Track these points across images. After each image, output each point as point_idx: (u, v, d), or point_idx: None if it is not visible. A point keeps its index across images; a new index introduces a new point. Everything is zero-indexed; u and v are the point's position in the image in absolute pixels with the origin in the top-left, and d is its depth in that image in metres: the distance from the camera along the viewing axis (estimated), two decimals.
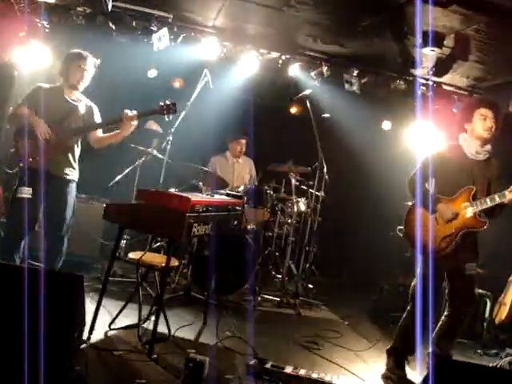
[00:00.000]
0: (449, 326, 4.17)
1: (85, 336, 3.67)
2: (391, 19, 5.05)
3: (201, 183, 6.05)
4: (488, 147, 4.10)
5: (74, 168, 4.64)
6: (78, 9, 5.88)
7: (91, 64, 4.64)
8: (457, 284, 4.12)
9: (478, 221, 3.98)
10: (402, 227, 4.41)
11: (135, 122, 4.54)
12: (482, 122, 4.03)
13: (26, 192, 4.30)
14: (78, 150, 4.69)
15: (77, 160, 4.68)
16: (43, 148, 4.37)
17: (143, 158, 6.21)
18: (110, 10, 5.71)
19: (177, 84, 7.27)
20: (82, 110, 4.64)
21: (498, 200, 3.88)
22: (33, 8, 5.97)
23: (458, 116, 4.30)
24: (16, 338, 2.69)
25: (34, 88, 4.59)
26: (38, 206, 4.44)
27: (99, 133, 4.73)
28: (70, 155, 4.59)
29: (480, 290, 5.47)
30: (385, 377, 4.19)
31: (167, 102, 4.62)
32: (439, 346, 4.20)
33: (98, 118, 4.76)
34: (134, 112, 4.51)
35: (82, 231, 6.03)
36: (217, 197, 4.59)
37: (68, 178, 4.57)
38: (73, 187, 4.66)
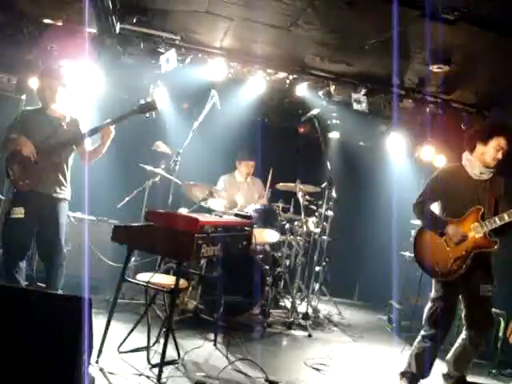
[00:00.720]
0: (465, 349, 4.11)
1: (93, 359, 3.63)
2: (398, 37, 5.02)
3: (209, 203, 6.01)
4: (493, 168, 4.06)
5: (65, 186, 4.63)
6: (86, 31, 5.90)
7: (62, 79, 4.65)
8: (472, 306, 4.06)
9: (488, 241, 3.94)
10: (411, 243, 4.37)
11: (112, 130, 4.55)
12: (496, 153, 4.00)
13: (18, 212, 4.32)
14: (68, 169, 4.68)
15: (68, 179, 4.67)
16: (32, 169, 4.37)
17: (152, 180, 6.21)
18: (117, 32, 5.76)
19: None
20: (65, 125, 4.62)
21: (507, 219, 3.84)
22: (41, 31, 6.02)
23: (472, 133, 4.23)
24: (21, 362, 2.65)
25: (19, 114, 4.66)
26: (31, 226, 4.44)
27: (88, 147, 4.71)
28: (59, 174, 4.58)
29: (493, 310, 5.39)
30: None
31: (147, 100, 4.67)
32: (455, 368, 4.13)
33: (84, 129, 4.73)
34: (108, 120, 4.52)
35: (91, 253, 6.01)
36: (225, 217, 4.56)
37: (59, 196, 4.56)
38: (64, 206, 4.65)
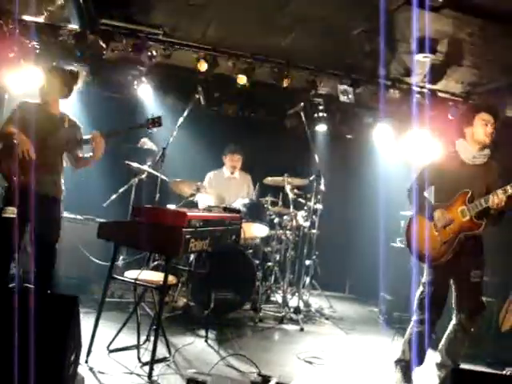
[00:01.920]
0: (457, 336, 4.08)
1: (82, 359, 3.57)
2: (382, 26, 4.99)
3: (197, 199, 5.96)
4: (486, 151, 4.05)
5: (59, 186, 4.52)
6: (68, 27, 5.82)
7: (68, 78, 4.55)
8: (463, 291, 4.04)
9: (473, 223, 3.92)
10: (402, 238, 4.35)
11: (103, 144, 4.47)
12: (484, 128, 4.00)
13: (11, 212, 4.20)
14: (63, 169, 4.58)
15: (62, 179, 4.57)
16: (28, 167, 4.26)
17: (138, 177, 6.15)
18: (99, 28, 5.68)
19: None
20: (65, 126, 4.52)
21: (492, 199, 3.81)
22: (22, 28, 5.92)
23: (457, 119, 4.25)
24: (8, 362, 2.59)
25: (18, 104, 4.49)
26: (23, 226, 4.34)
27: (80, 153, 4.62)
28: (55, 174, 4.48)
29: (485, 298, 5.37)
30: None
31: (153, 116, 4.65)
32: (447, 356, 4.10)
33: (80, 135, 4.64)
34: (97, 133, 4.45)
35: (78, 252, 5.95)
36: (213, 212, 4.50)
37: (54, 196, 4.45)
38: (58, 206, 4.54)
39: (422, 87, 6.70)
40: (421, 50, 5.33)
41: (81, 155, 4.61)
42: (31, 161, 4.25)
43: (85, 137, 4.54)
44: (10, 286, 4.45)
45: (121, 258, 6.17)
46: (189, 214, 3.60)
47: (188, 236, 3.57)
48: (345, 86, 6.41)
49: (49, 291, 4.37)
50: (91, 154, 4.54)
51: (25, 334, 2.65)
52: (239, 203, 6.04)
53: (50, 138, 4.39)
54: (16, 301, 2.74)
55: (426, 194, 4.23)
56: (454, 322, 4.10)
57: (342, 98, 6.49)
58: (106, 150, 4.51)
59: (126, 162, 6.04)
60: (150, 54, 5.94)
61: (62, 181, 4.57)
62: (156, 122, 4.66)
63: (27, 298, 2.80)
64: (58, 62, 5.46)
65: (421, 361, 4.19)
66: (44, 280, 4.38)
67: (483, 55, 5.51)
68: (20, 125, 4.32)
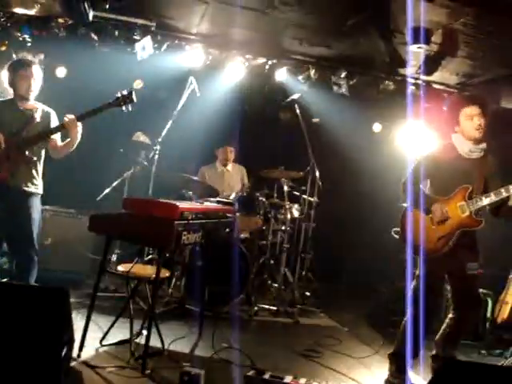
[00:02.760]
0: (453, 329, 4.06)
1: (75, 353, 3.54)
2: (376, 17, 4.95)
3: (190, 193, 5.92)
4: (483, 145, 3.99)
5: (37, 180, 4.45)
6: (59, 20, 5.76)
7: (37, 71, 4.45)
8: (459, 285, 4.02)
9: (473, 220, 3.89)
10: (397, 229, 4.30)
11: (79, 127, 4.37)
12: (470, 123, 3.92)
13: None
14: (40, 163, 4.51)
15: (40, 173, 4.49)
16: (2, 161, 4.21)
17: (131, 170, 6.12)
18: (90, 20, 5.62)
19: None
20: (38, 118, 4.45)
21: (494, 198, 3.78)
22: (13, 22, 5.87)
23: (445, 117, 4.19)
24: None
25: None
26: (2, 221, 4.29)
27: (58, 142, 4.54)
28: (31, 167, 4.40)
29: (481, 290, 5.37)
30: (388, 382, 4.06)
31: (123, 93, 4.43)
32: (443, 349, 4.09)
33: (55, 124, 4.56)
34: (71, 116, 4.35)
35: (72, 247, 5.92)
36: (206, 204, 4.47)
37: (30, 190, 4.38)
38: (37, 201, 4.46)
39: (416, 78, 6.68)
40: (415, 40, 5.29)
41: (59, 143, 4.53)
42: (4, 155, 4.19)
43: (58, 124, 4.47)
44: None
45: (115, 252, 6.13)
46: (181, 206, 3.56)
47: (180, 229, 3.54)
48: (338, 78, 6.38)
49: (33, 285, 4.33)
50: (68, 139, 4.46)
51: (14, 328, 2.62)
52: (233, 196, 6.00)
53: (22, 132, 4.32)
54: (5, 295, 2.71)
55: (421, 186, 4.20)
56: (450, 315, 4.08)
57: (336, 90, 6.46)
58: (83, 133, 4.43)
59: (121, 150, 5.99)
60: (142, 46, 5.89)
61: (40, 175, 4.50)
62: (127, 98, 4.42)
63: (17, 291, 2.77)
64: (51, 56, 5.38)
65: (416, 353, 4.16)
66: (25, 276, 4.33)
67: (478, 46, 5.49)
68: None
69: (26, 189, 4.34)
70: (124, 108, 4.48)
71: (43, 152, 4.52)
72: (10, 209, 4.27)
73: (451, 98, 4.20)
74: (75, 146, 4.49)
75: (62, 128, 4.41)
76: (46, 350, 2.68)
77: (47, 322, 2.72)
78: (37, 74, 4.46)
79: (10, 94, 4.53)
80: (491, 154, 4.05)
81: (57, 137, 4.52)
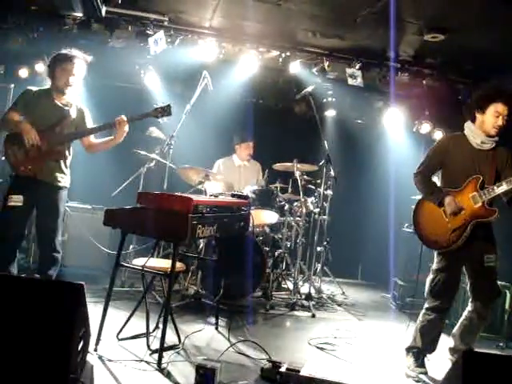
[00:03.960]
0: (471, 322, 4.01)
1: (91, 347, 3.55)
2: (391, 7, 4.89)
3: (205, 187, 5.91)
4: (495, 137, 3.93)
5: (65, 174, 4.49)
6: (72, 16, 5.78)
7: (79, 66, 4.44)
8: (477, 277, 3.97)
9: (486, 210, 3.84)
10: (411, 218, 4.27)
11: (127, 128, 4.44)
12: (495, 120, 3.86)
13: (17, 200, 4.17)
14: (69, 156, 4.55)
15: (68, 166, 4.54)
16: (34, 155, 4.24)
17: (146, 165, 6.13)
18: (103, 15, 5.63)
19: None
20: (73, 114, 4.48)
21: (505, 187, 3.73)
22: (26, 19, 5.90)
23: (471, 101, 4.10)
24: (17, 351, 2.57)
25: (23, 92, 4.45)
26: (29, 214, 4.34)
27: (92, 138, 4.60)
28: (61, 162, 4.44)
29: (499, 282, 5.30)
30: (405, 376, 4.04)
31: (161, 105, 4.53)
32: (461, 341, 4.05)
33: (89, 123, 4.61)
34: (124, 117, 4.41)
35: (88, 242, 5.95)
36: (221, 197, 4.46)
37: (60, 184, 4.42)
38: (64, 194, 4.50)
39: (432, 69, 6.59)
40: (430, 29, 5.23)
41: (94, 142, 4.59)
42: (36, 149, 4.23)
43: (108, 121, 4.49)
44: (18, 274, 4.43)
45: (131, 246, 6.16)
46: (195, 199, 3.55)
47: (194, 222, 3.52)
48: (353, 70, 6.33)
49: (53, 279, 4.37)
50: (112, 137, 4.52)
51: (32, 323, 2.63)
52: (248, 190, 5.99)
53: (56, 126, 4.37)
54: (23, 290, 2.72)
55: (434, 178, 4.15)
56: (469, 308, 4.03)
57: (351, 82, 6.41)
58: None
59: (135, 150, 6.02)
60: (155, 41, 5.89)
61: (68, 169, 4.54)
62: (165, 110, 4.53)
63: (33, 286, 2.78)
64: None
65: (433, 348, 4.14)
66: (47, 268, 4.37)
67: (495, 35, 5.39)
68: (25, 113, 4.30)
69: (55, 183, 4.39)
70: (160, 120, 4.68)
71: (71, 146, 4.56)
72: (38, 202, 4.30)
73: (488, 85, 4.09)
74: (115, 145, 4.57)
75: (110, 127, 4.46)
76: (61, 344, 2.69)
77: (64, 317, 2.73)
78: (78, 70, 4.45)
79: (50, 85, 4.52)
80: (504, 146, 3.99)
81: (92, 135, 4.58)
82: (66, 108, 4.48)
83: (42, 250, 4.45)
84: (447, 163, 4.03)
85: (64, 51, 4.46)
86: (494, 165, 3.93)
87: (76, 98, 4.63)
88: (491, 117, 3.87)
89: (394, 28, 5.34)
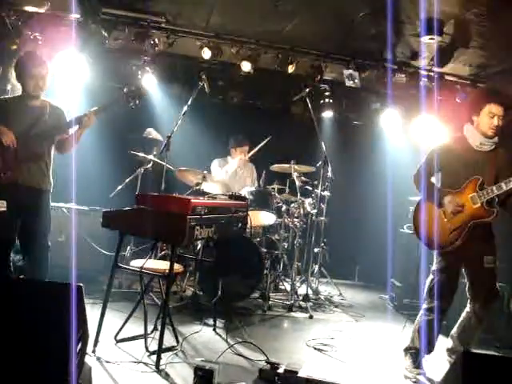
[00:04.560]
0: (470, 323, 4.02)
1: (89, 349, 3.54)
2: (388, 8, 4.90)
3: (202, 188, 5.91)
4: (494, 139, 3.96)
5: (46, 177, 4.41)
6: (70, 17, 5.76)
7: (46, 68, 4.35)
8: (476, 278, 3.98)
9: (485, 211, 3.86)
10: (410, 218, 4.29)
11: (93, 119, 4.33)
12: (490, 120, 3.90)
13: (0, 205, 4.13)
14: (50, 159, 4.46)
15: (50, 169, 4.45)
16: (13, 160, 4.17)
17: (144, 167, 6.13)
18: (101, 17, 5.63)
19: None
20: (47, 115, 4.38)
21: (504, 188, 3.75)
22: (24, 20, 5.88)
23: (467, 105, 4.14)
24: (15, 353, 2.57)
25: None
26: (14, 219, 4.22)
27: (66, 135, 4.47)
28: (42, 165, 4.36)
29: (498, 283, 5.31)
30: (403, 377, 4.05)
31: (131, 88, 4.38)
32: (459, 342, 4.05)
33: (65, 119, 4.49)
34: (92, 112, 4.32)
35: (85, 244, 5.94)
36: (219, 199, 4.46)
37: (41, 188, 4.35)
38: (47, 197, 4.43)
39: (429, 70, 6.60)
40: (427, 31, 5.23)
41: (67, 137, 4.47)
42: (14, 153, 4.18)
43: (77, 115, 4.38)
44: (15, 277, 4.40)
45: (128, 248, 6.15)
46: (193, 201, 3.55)
47: (193, 223, 3.53)
48: (350, 71, 6.33)
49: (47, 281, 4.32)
50: (76, 129, 4.40)
51: (29, 325, 2.62)
52: (246, 191, 5.99)
53: (32, 128, 4.28)
54: (20, 291, 2.72)
55: (433, 179, 4.17)
56: (467, 309, 4.04)
57: (348, 83, 6.41)
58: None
59: (132, 151, 6.01)
60: (152, 42, 5.89)
61: (50, 172, 4.47)
62: (135, 93, 4.37)
63: (31, 288, 2.77)
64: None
65: (431, 349, 4.14)
66: (37, 272, 4.33)
67: (491, 36, 5.41)
68: (1, 120, 4.21)
69: (36, 186, 4.31)
70: (132, 104, 4.46)
71: (52, 148, 4.47)
72: (20, 207, 4.23)
73: (481, 89, 4.13)
74: (79, 141, 4.47)
75: (80, 123, 4.35)
76: (58, 346, 2.68)
77: (62, 318, 2.72)
78: (45, 71, 4.35)
79: (18, 89, 4.46)
80: (503, 147, 4.01)
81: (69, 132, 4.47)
82: (40, 109, 4.38)
83: (29, 256, 4.39)
84: (447, 164, 4.05)
85: (27, 53, 4.39)
86: (494, 166, 3.94)
87: (52, 98, 4.55)
88: (486, 118, 3.91)
89: (391, 29, 5.35)
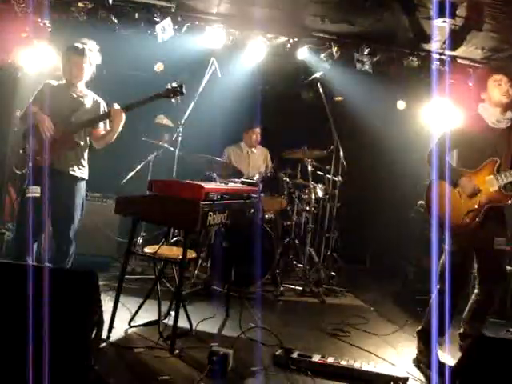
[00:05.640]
0: (479, 305, 4.00)
1: (104, 335, 3.58)
2: None
3: (215, 174, 5.92)
4: (510, 114, 3.91)
5: (82, 165, 4.48)
6: (79, 4, 5.76)
7: (88, 56, 4.43)
8: (486, 259, 3.94)
9: (502, 195, 3.81)
10: (422, 202, 4.25)
11: (123, 117, 4.37)
12: (498, 88, 3.87)
13: (34, 191, 4.17)
14: (86, 147, 4.54)
15: (86, 157, 4.53)
16: (50, 145, 4.24)
17: (155, 153, 6.14)
18: (111, 3, 5.61)
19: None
20: (88, 104, 4.49)
21: None
22: (35, 7, 5.88)
23: (473, 88, 4.12)
24: (33, 339, 2.59)
25: (42, 85, 4.48)
26: (46, 205, 4.32)
27: (101, 129, 4.54)
28: (78, 152, 4.44)
29: (508, 267, 5.30)
30: (416, 361, 4.05)
31: (173, 85, 4.39)
32: (471, 326, 4.03)
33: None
34: (117, 106, 4.35)
35: (98, 230, 5.98)
36: (231, 185, 4.46)
37: (75, 175, 4.41)
38: (81, 185, 4.48)
39: (441, 54, 6.54)
40: (440, 14, 5.17)
41: (102, 132, 4.54)
42: (52, 139, 4.24)
43: (101, 112, 4.50)
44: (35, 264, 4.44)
45: (141, 234, 6.18)
46: (206, 186, 3.55)
47: (206, 209, 3.54)
48: (361, 55, 6.29)
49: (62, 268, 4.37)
50: (108, 128, 4.50)
51: (44, 311, 2.65)
52: (258, 177, 5.99)
53: (72, 116, 4.37)
54: (37, 278, 2.74)
55: (447, 158, 4.13)
56: (476, 291, 4.02)
57: (359, 67, 6.37)
58: (126, 124, 4.43)
59: (144, 138, 6.02)
60: (162, 28, 5.87)
61: (86, 161, 4.54)
62: (177, 90, 4.40)
63: (46, 275, 2.79)
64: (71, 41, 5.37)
65: (443, 331, 4.13)
66: (60, 260, 4.38)
67: (504, 19, 5.34)
68: (42, 105, 4.32)
69: (71, 173, 4.38)
70: (173, 100, 4.49)
71: (89, 138, 4.55)
72: (54, 192, 4.28)
73: (480, 68, 4.14)
74: (115, 136, 4.49)
75: (107, 117, 4.43)
76: (75, 331, 2.71)
77: (76, 304, 2.75)
78: (88, 61, 4.44)
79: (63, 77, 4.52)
80: None
81: (101, 126, 4.53)
82: (81, 99, 4.48)
83: (56, 241, 4.45)
84: (462, 143, 4.00)
85: (74, 43, 4.45)
86: (511, 145, 3.90)
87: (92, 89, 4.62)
88: (494, 88, 3.89)
89: (403, 12, 5.30)
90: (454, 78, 6.78)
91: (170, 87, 4.39)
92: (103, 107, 4.62)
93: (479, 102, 4.02)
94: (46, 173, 4.20)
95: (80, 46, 4.42)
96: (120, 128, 4.42)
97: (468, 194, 3.85)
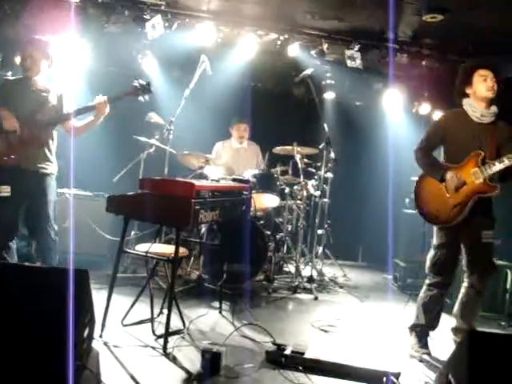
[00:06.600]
0: (470, 298, 4.03)
1: (96, 334, 3.56)
2: None
3: (206, 171, 5.91)
4: (494, 109, 3.96)
5: (50, 161, 4.44)
6: (68, 0, 5.72)
7: (46, 50, 4.40)
8: (474, 252, 3.98)
9: (488, 186, 3.85)
10: (412, 198, 4.28)
11: (108, 109, 4.38)
12: (484, 83, 3.90)
13: (4, 190, 4.14)
14: (53, 143, 4.50)
15: (53, 153, 4.49)
16: (16, 144, 4.21)
17: (146, 151, 6.12)
18: (99, 0, 5.59)
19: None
20: (52, 100, 4.43)
21: (507, 162, 3.74)
22: (22, 4, 5.85)
23: (457, 82, 4.13)
24: (23, 338, 2.58)
25: (3, 82, 4.44)
26: (18, 204, 4.30)
27: (74, 122, 4.50)
28: (45, 149, 4.40)
29: (500, 261, 5.33)
30: (409, 356, 4.07)
31: (141, 82, 4.42)
32: (463, 320, 4.06)
33: (68, 106, 4.53)
34: (105, 97, 4.35)
35: (90, 229, 5.95)
36: (222, 182, 4.46)
37: (45, 171, 4.38)
38: (51, 181, 4.45)
39: (431, 50, 6.55)
40: (429, 9, 5.19)
41: (76, 124, 4.50)
42: (18, 137, 4.19)
43: (89, 103, 4.45)
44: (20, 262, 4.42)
45: (132, 232, 6.17)
46: (197, 184, 3.55)
47: (197, 207, 3.53)
48: (352, 51, 6.29)
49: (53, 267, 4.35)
50: (92, 118, 4.47)
51: (36, 310, 2.64)
52: (249, 174, 5.98)
53: (36, 112, 4.31)
54: (26, 277, 2.73)
55: (435, 154, 4.15)
56: (465, 284, 4.06)
57: (350, 64, 6.37)
58: (117, 122, 4.43)
59: (134, 136, 6.00)
60: (152, 25, 5.84)
61: (54, 156, 4.50)
62: (145, 88, 4.42)
63: (38, 274, 2.78)
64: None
65: (435, 325, 4.16)
66: (48, 257, 4.36)
67: (495, 14, 5.36)
68: (4, 103, 4.26)
69: (40, 171, 4.35)
70: (141, 98, 4.49)
71: (55, 132, 4.51)
72: (25, 191, 4.26)
73: (465, 63, 4.16)
74: (95, 126, 4.49)
75: (93, 109, 4.40)
76: (66, 331, 2.70)
77: (67, 303, 2.73)
78: (46, 54, 4.41)
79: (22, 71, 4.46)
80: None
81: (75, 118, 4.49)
82: (45, 94, 4.42)
83: (36, 241, 4.43)
84: (448, 139, 4.04)
85: (33, 36, 4.44)
86: (495, 139, 3.93)
87: (56, 82, 4.57)
88: (480, 83, 3.92)
89: (393, 9, 5.30)
90: (445, 74, 6.77)
91: (137, 85, 4.41)
92: (66, 99, 4.54)
93: (463, 96, 4.05)
94: (14, 172, 4.19)
95: (36, 39, 4.42)
96: (101, 119, 4.44)
97: (454, 187, 3.89)
